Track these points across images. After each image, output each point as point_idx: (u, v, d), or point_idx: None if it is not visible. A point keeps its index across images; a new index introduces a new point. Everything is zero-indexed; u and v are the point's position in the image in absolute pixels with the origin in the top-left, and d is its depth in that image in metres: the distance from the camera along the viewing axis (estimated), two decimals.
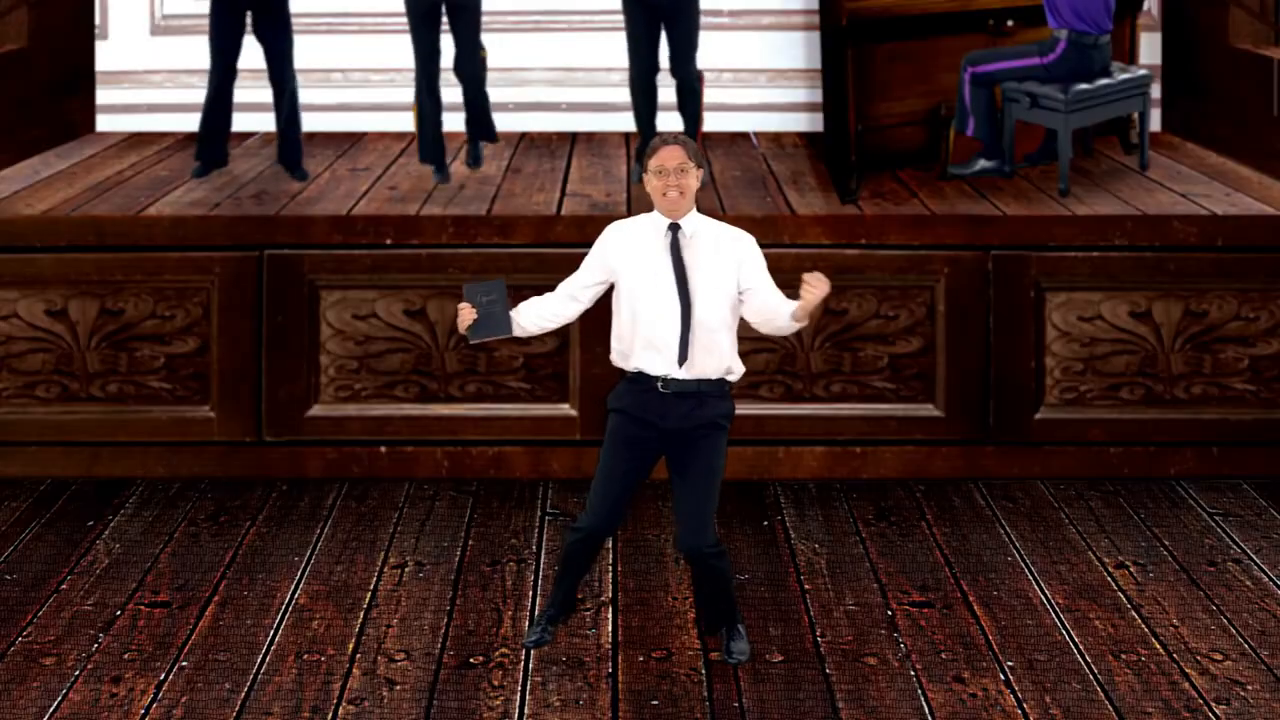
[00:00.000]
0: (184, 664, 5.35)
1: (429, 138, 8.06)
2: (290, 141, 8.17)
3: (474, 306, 5.19)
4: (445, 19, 7.96)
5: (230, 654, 5.43)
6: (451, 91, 8.13)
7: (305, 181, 8.04)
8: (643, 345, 5.17)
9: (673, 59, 7.89)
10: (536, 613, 5.72)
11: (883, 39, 8.11)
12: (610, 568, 6.20)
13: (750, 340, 7.16)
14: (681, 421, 5.16)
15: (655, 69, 7.93)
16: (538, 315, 5.31)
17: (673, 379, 5.16)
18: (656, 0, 7.75)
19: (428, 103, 8.00)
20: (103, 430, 7.21)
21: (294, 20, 8.19)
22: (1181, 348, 7.25)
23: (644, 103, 8.00)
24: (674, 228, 5.19)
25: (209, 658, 5.40)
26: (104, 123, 9.48)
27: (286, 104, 8.08)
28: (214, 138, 8.13)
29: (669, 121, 8.10)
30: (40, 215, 7.36)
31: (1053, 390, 7.27)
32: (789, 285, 7.17)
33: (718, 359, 5.19)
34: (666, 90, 8.05)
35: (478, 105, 8.18)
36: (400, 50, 8.27)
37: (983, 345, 7.25)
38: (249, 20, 8.02)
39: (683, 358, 5.14)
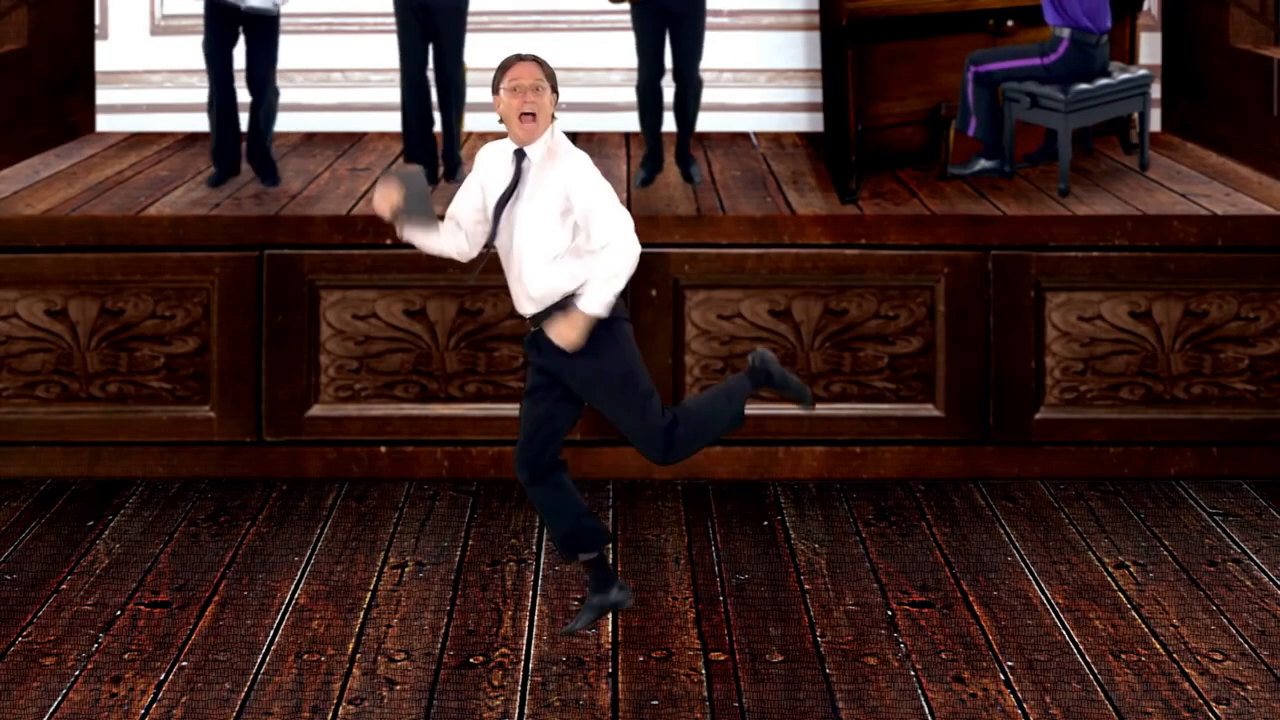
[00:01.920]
0: (184, 664, 5.35)
1: (416, 142, 7.99)
2: (261, 149, 8.03)
3: (402, 189, 4.91)
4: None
5: (230, 654, 5.43)
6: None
7: (298, 179, 8.03)
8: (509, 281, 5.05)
9: (677, 62, 7.86)
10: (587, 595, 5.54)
11: (883, 39, 8.11)
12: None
13: (749, 340, 7.19)
14: (557, 352, 5.00)
15: (663, 72, 7.91)
16: (443, 235, 5.11)
17: (531, 315, 5.04)
18: (666, 4, 7.72)
19: (414, 112, 7.94)
20: (103, 430, 7.21)
21: (295, 20, 8.20)
22: (1181, 348, 7.25)
23: (651, 107, 7.99)
24: (519, 154, 4.97)
25: (209, 658, 5.40)
26: (104, 123, 9.48)
27: (264, 112, 7.99)
28: (227, 146, 8.03)
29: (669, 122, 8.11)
30: (40, 215, 7.36)
31: (1053, 390, 7.27)
32: (790, 285, 7.21)
33: (563, 286, 4.96)
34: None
35: (451, 126, 8.09)
36: None
37: (983, 345, 7.25)
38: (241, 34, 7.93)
39: (515, 293, 4.98)
